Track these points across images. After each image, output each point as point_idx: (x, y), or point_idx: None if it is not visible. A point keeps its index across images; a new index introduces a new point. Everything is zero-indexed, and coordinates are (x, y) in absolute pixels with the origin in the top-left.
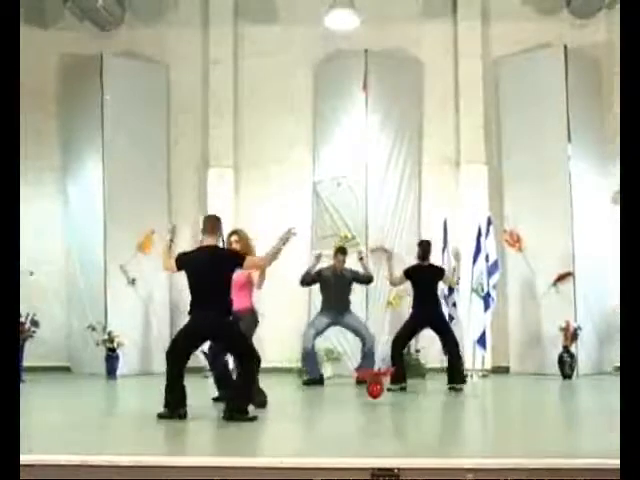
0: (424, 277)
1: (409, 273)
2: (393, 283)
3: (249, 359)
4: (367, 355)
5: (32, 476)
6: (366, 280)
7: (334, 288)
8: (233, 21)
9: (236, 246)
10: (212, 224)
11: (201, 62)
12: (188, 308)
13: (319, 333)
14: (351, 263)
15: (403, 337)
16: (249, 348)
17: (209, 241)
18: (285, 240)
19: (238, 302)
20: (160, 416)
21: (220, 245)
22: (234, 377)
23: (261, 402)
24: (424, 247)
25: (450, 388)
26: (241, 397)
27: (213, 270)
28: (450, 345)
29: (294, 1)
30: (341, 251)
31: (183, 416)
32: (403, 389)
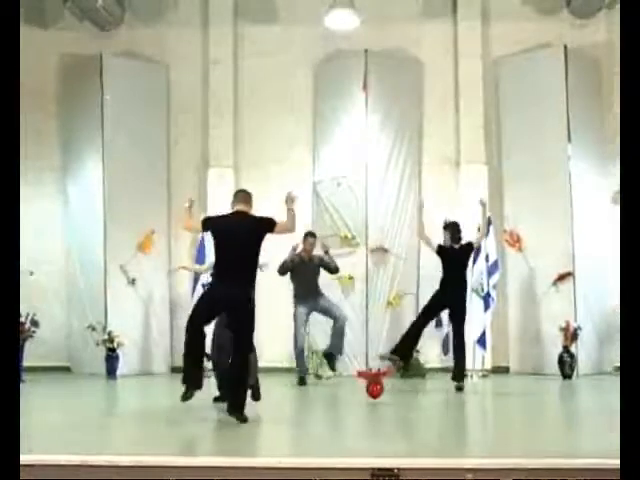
0: (453, 259)
1: (440, 251)
2: (420, 235)
3: (248, 347)
4: (336, 332)
5: (32, 476)
6: (333, 268)
7: (305, 274)
8: (233, 21)
9: None
10: (245, 195)
11: (201, 62)
12: (211, 274)
13: (305, 327)
14: (352, 262)
15: (425, 315)
16: (251, 337)
17: (240, 207)
18: (291, 201)
19: None
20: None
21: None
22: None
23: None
24: (451, 229)
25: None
26: (237, 393)
27: (244, 234)
28: (457, 337)
29: (294, 1)
30: (310, 234)
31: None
32: (401, 369)
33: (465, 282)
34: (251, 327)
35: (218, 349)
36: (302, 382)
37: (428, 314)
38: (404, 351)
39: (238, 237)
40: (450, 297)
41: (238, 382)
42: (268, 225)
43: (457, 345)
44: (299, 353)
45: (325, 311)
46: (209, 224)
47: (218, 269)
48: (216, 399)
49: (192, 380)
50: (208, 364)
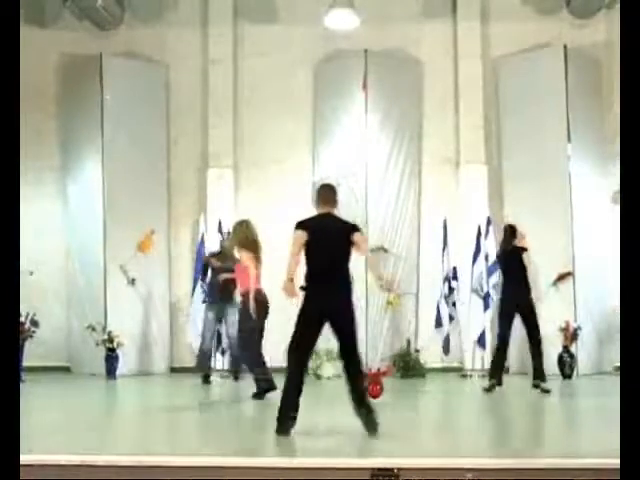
0: (508, 262)
1: (499, 259)
2: None
3: (356, 355)
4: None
5: (32, 476)
6: None
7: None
8: (233, 21)
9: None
10: (328, 193)
11: (201, 62)
12: (303, 283)
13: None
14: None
15: (504, 326)
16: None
17: (327, 209)
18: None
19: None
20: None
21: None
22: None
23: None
24: (505, 231)
25: (535, 386)
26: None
27: (339, 238)
28: (533, 335)
29: (294, 1)
30: None
31: (292, 423)
32: (492, 387)
33: (525, 280)
34: (355, 335)
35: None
36: (206, 381)
37: (506, 324)
38: (499, 372)
39: (334, 243)
40: (516, 298)
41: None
42: (352, 233)
43: (534, 346)
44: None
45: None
46: (303, 227)
47: (313, 277)
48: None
49: (284, 416)
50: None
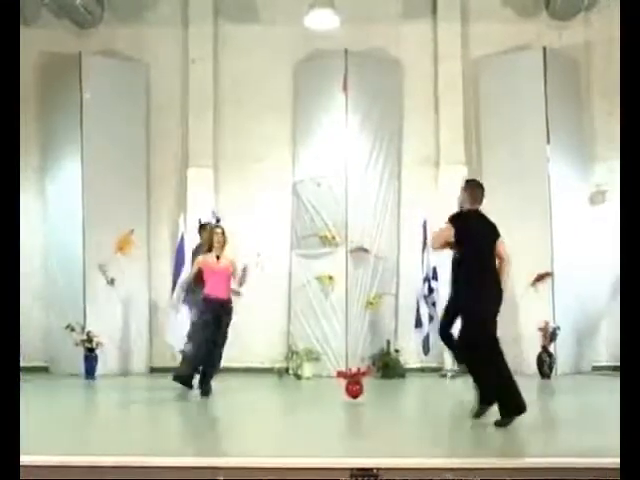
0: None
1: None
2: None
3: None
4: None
5: (32, 476)
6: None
7: None
8: (213, 20)
9: (221, 238)
10: (477, 190)
11: (181, 61)
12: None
13: None
14: (331, 262)
15: None
16: None
17: (476, 207)
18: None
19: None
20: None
21: None
22: None
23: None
24: None
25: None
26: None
27: (491, 238)
28: None
29: (274, 1)
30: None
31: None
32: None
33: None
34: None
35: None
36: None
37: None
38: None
39: (488, 242)
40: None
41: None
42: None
43: None
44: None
45: None
46: (457, 224)
47: (476, 275)
48: None
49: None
50: None
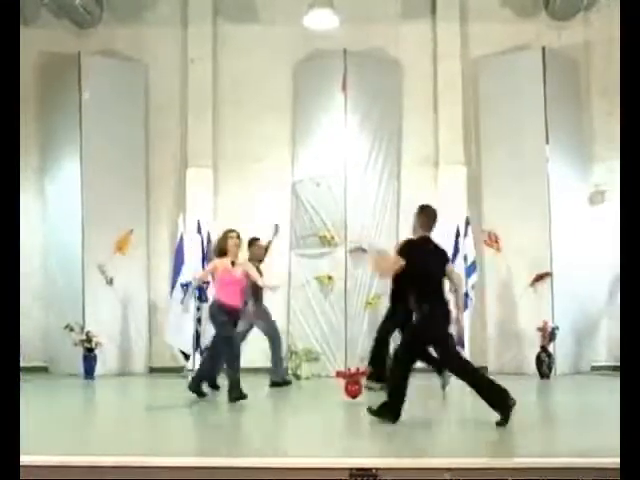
0: None
1: None
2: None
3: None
4: None
5: (32, 476)
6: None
7: None
8: (212, 20)
9: (236, 242)
10: (430, 218)
11: (180, 61)
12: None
13: None
14: (331, 262)
15: None
16: None
17: (426, 233)
18: None
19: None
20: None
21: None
22: None
23: None
24: None
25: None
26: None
27: (440, 264)
28: None
29: (274, 1)
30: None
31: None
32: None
33: None
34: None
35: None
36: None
37: None
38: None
39: (437, 269)
40: None
41: None
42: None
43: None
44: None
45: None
46: (408, 250)
47: (423, 298)
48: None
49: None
50: None
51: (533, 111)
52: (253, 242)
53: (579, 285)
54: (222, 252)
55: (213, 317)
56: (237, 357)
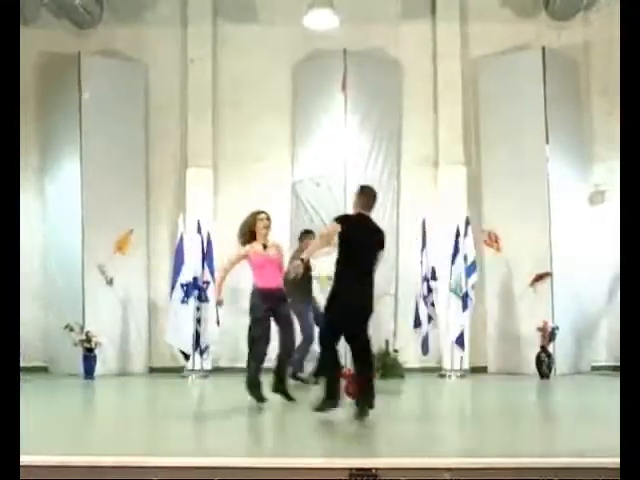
0: None
1: None
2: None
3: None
4: None
5: (32, 476)
6: None
7: None
8: (212, 20)
9: (266, 223)
10: (370, 198)
11: (180, 61)
12: (341, 278)
13: None
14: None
15: None
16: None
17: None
18: None
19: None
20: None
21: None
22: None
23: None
24: None
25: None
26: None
27: (374, 242)
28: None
29: (273, 1)
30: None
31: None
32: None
33: None
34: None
35: None
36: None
37: None
38: None
39: (371, 246)
40: None
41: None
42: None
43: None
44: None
45: None
46: (344, 225)
47: (351, 273)
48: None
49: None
50: None
51: (533, 111)
52: (306, 234)
53: (579, 285)
54: (251, 235)
55: (252, 309)
56: (262, 358)
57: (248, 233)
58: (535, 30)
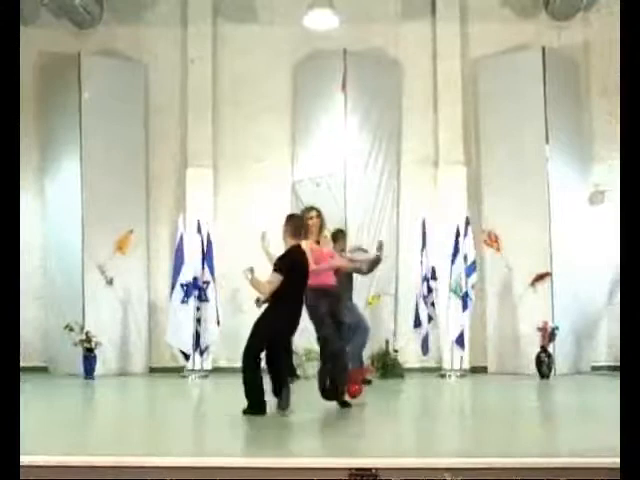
0: None
1: None
2: None
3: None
4: None
5: (32, 476)
6: None
7: None
8: (212, 20)
9: (316, 221)
10: (299, 225)
11: (180, 61)
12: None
13: None
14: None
15: None
16: None
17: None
18: None
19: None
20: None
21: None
22: None
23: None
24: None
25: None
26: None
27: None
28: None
29: (273, 1)
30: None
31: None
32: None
33: None
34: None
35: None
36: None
37: None
38: None
39: (304, 276)
40: None
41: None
42: None
43: None
44: None
45: None
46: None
47: (287, 301)
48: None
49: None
50: None
51: (533, 111)
52: (339, 234)
53: (579, 285)
54: (301, 234)
55: (312, 310)
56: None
57: (298, 233)
58: (535, 30)
